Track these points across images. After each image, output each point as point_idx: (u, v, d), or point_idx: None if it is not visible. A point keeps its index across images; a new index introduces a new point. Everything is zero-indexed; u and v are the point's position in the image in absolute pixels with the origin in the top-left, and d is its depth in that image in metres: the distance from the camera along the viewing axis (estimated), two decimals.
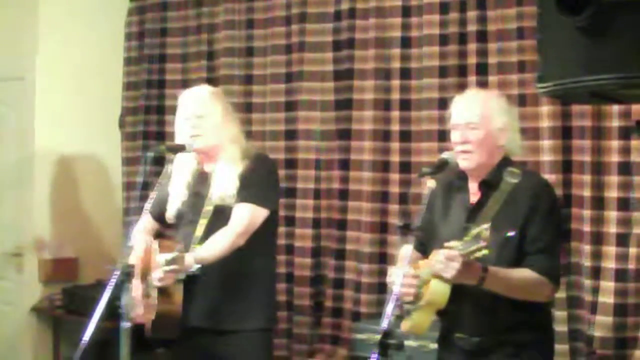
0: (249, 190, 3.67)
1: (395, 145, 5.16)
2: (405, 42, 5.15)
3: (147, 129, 6.31)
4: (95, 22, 6.27)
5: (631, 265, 4.30)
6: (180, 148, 3.71)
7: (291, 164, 5.52)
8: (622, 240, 4.33)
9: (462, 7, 4.92)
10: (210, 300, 3.67)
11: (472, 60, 4.88)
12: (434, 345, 3.52)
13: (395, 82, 5.17)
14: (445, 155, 3.30)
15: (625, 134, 4.32)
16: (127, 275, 3.21)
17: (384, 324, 2.86)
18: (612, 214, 4.36)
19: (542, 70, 2.70)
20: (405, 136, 5.14)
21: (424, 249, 3.35)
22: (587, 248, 4.44)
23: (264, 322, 3.79)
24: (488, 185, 3.26)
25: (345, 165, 5.38)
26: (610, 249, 4.35)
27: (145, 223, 3.90)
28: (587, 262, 4.44)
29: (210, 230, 3.64)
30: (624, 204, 4.34)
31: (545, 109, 4.58)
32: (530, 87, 4.56)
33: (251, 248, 3.65)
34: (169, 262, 3.42)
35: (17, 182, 6.12)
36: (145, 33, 6.34)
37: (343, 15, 5.40)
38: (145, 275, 3.61)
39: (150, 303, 3.57)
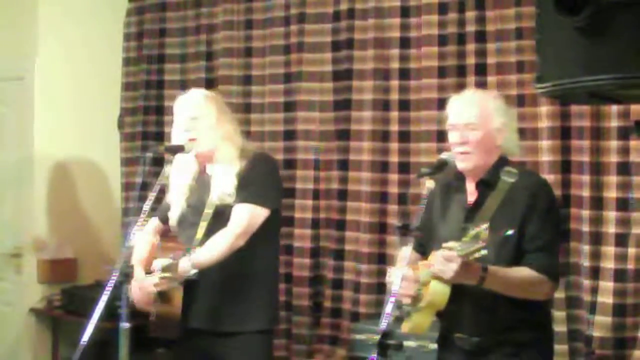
0: (247, 190, 3.66)
1: (394, 145, 5.16)
2: (404, 43, 5.15)
3: (146, 129, 6.31)
4: (94, 23, 6.27)
5: (630, 266, 4.30)
6: (179, 149, 3.70)
7: (290, 164, 5.52)
8: (621, 240, 4.33)
9: (460, 7, 4.92)
10: (210, 302, 3.66)
11: (470, 60, 4.88)
12: (434, 346, 3.52)
13: (394, 83, 5.17)
14: (444, 155, 3.31)
15: (624, 134, 4.32)
16: (126, 275, 3.20)
17: (383, 324, 2.86)
18: (611, 214, 4.36)
19: (541, 71, 2.70)
20: (404, 136, 5.14)
21: (422, 250, 3.36)
22: (586, 248, 4.44)
23: (264, 323, 3.78)
24: (485, 185, 3.26)
25: (344, 165, 5.38)
26: (609, 249, 4.35)
27: (152, 224, 3.92)
28: (586, 263, 4.44)
29: (210, 232, 3.62)
30: (622, 204, 4.34)
31: (544, 109, 4.58)
32: (529, 87, 4.56)
33: (252, 248, 3.64)
34: (164, 269, 3.42)
35: (16, 183, 6.12)
36: (144, 33, 6.34)
37: (342, 16, 5.40)
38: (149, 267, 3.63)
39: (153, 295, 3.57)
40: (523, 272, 3.13)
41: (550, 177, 4.43)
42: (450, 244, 3.01)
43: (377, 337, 2.86)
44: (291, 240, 5.46)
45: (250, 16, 5.80)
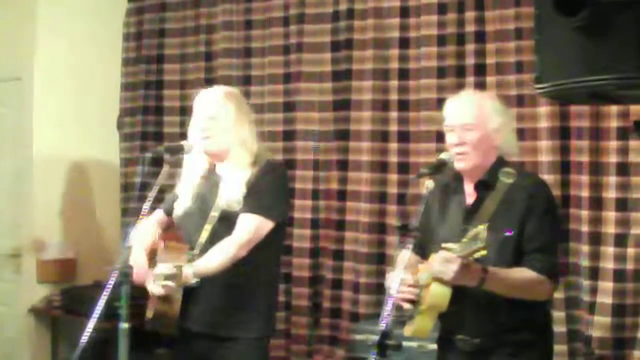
0: (256, 200, 3.62)
1: (393, 145, 5.17)
2: (404, 43, 5.15)
3: (145, 129, 6.31)
4: (94, 23, 6.27)
5: (629, 266, 4.31)
6: (179, 149, 3.68)
7: (289, 164, 5.51)
8: (620, 240, 4.33)
9: (460, 7, 4.92)
10: (210, 307, 3.65)
11: (470, 60, 4.88)
12: (433, 346, 3.52)
13: (394, 83, 5.17)
14: (443, 155, 3.30)
15: (623, 134, 4.32)
16: (126, 275, 3.20)
17: (382, 324, 2.86)
18: (610, 215, 4.36)
19: (540, 71, 2.70)
20: (403, 137, 5.14)
21: (421, 252, 3.35)
22: (585, 249, 4.44)
23: (262, 331, 3.76)
24: (484, 186, 3.26)
25: (343, 165, 5.38)
26: (609, 250, 4.36)
27: (157, 216, 3.90)
28: (585, 263, 4.45)
29: (214, 236, 3.60)
30: (622, 205, 4.34)
31: (543, 109, 4.58)
32: (528, 87, 4.57)
33: (254, 258, 3.61)
34: (167, 277, 3.42)
35: (15, 183, 6.12)
36: (144, 34, 6.34)
37: (341, 16, 5.40)
38: (150, 260, 3.63)
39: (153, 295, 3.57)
40: (523, 273, 3.13)
41: (549, 178, 4.43)
42: (450, 245, 3.01)
43: (377, 338, 2.86)
44: (290, 241, 5.46)
45: (250, 16, 5.80)
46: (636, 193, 4.31)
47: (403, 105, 5.15)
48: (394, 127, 5.17)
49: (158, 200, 3.75)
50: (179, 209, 3.81)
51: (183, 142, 3.72)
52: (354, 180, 5.30)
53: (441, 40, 4.99)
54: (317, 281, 5.45)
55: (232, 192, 3.63)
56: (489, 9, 4.82)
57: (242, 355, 3.70)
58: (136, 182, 6.08)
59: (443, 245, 3.04)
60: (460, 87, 4.63)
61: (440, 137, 4.75)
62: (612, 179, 4.37)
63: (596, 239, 4.43)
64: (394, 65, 5.17)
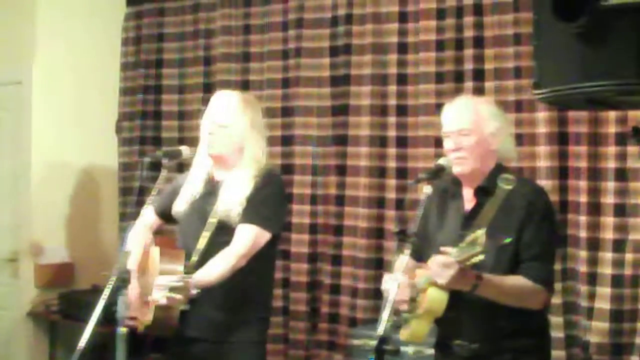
0: (255, 211, 3.62)
1: (391, 151, 5.17)
2: (402, 48, 5.15)
3: (144, 134, 6.31)
4: (93, 28, 6.27)
5: (627, 272, 4.31)
6: (178, 153, 3.69)
7: (288, 169, 5.52)
8: (618, 246, 4.33)
9: (458, 13, 4.93)
10: (206, 312, 3.65)
11: (468, 66, 4.89)
12: (431, 351, 3.51)
13: (392, 88, 5.18)
14: (441, 161, 3.30)
15: (621, 140, 4.33)
16: (123, 280, 3.20)
17: (380, 329, 2.86)
18: (609, 220, 4.37)
19: (539, 77, 2.71)
20: (401, 142, 5.14)
21: (419, 257, 3.34)
22: (583, 254, 4.44)
23: (258, 334, 3.77)
24: (483, 192, 3.26)
25: (341, 171, 5.38)
26: (607, 255, 4.36)
27: (147, 219, 3.88)
28: (583, 268, 4.45)
29: (212, 244, 3.60)
30: (620, 210, 4.34)
31: (541, 115, 4.59)
32: (526, 93, 4.58)
33: (250, 265, 3.62)
34: (173, 289, 3.41)
35: (13, 187, 6.11)
36: (142, 38, 6.34)
37: (340, 21, 5.40)
38: (143, 274, 3.62)
39: (146, 304, 3.56)
40: (518, 281, 3.13)
41: (547, 183, 4.44)
42: (448, 249, 3.01)
43: (375, 343, 2.85)
44: (288, 246, 5.46)
45: (249, 21, 5.81)
46: (634, 199, 4.31)
47: (401, 111, 5.15)
48: (392, 133, 5.17)
49: (162, 194, 3.75)
50: (179, 207, 3.79)
51: (181, 147, 3.72)
52: (352, 186, 5.30)
53: (440, 46, 4.99)
54: (315, 286, 5.45)
55: (232, 203, 3.62)
56: (488, 15, 4.82)
57: (238, 359, 3.69)
58: (134, 187, 6.09)
59: (441, 249, 3.04)
60: (458, 92, 4.62)
61: (438, 142, 4.74)
62: (611, 185, 4.37)
63: (594, 244, 4.43)
64: (393, 70, 5.18)
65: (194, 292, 3.49)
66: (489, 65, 4.82)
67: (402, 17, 5.16)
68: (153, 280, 3.51)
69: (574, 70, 2.50)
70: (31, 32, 6.02)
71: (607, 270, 4.35)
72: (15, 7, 6.12)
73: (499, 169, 3.29)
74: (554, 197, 4.40)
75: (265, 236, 3.65)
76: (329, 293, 5.37)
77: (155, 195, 3.59)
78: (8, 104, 6.18)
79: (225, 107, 3.71)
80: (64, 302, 5.82)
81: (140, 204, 3.59)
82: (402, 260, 3.11)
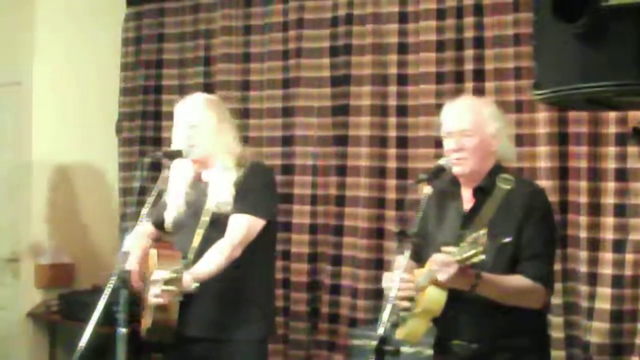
0: (244, 200, 3.65)
1: (392, 151, 5.17)
2: (402, 48, 5.16)
3: (144, 134, 6.31)
4: (93, 28, 6.27)
5: (627, 272, 4.31)
6: (177, 154, 3.69)
7: (288, 170, 5.52)
8: (619, 246, 4.33)
9: (458, 13, 4.93)
10: (206, 310, 3.65)
11: (468, 66, 4.89)
12: (430, 351, 3.51)
13: (392, 89, 5.18)
14: (441, 161, 3.31)
15: (621, 140, 4.33)
16: (124, 280, 3.20)
17: (381, 330, 2.86)
18: (609, 221, 4.37)
19: (539, 77, 2.70)
20: (402, 142, 5.14)
21: (418, 258, 3.35)
22: (583, 254, 4.45)
23: (260, 332, 3.77)
24: (482, 192, 3.26)
25: (342, 171, 5.38)
26: (607, 255, 4.36)
27: (145, 228, 3.90)
28: (583, 269, 4.45)
29: (207, 240, 3.62)
30: (620, 211, 4.34)
31: (541, 115, 4.59)
32: (526, 93, 4.58)
33: (248, 258, 3.63)
34: (167, 283, 3.42)
35: (14, 187, 6.11)
36: (142, 39, 6.35)
37: (340, 22, 5.40)
38: (144, 277, 3.63)
39: (147, 308, 3.57)
40: (517, 280, 3.14)
41: (547, 183, 4.44)
42: (449, 248, 3.01)
43: (375, 343, 2.86)
44: (289, 246, 5.46)
45: (249, 22, 5.81)
46: (634, 199, 4.31)
47: (402, 111, 5.15)
48: (392, 133, 5.17)
49: (155, 205, 3.76)
50: (169, 218, 3.82)
51: (181, 147, 3.73)
52: (353, 186, 5.30)
53: (440, 46, 4.99)
54: (315, 286, 5.45)
55: (220, 194, 3.66)
56: (488, 15, 4.82)
57: (241, 358, 3.69)
58: (135, 187, 6.09)
59: (442, 248, 3.04)
60: (459, 92, 4.61)
61: (438, 143, 4.74)
62: (611, 185, 4.37)
63: (594, 244, 4.43)
64: (393, 70, 5.18)
65: (193, 286, 3.49)
66: (489, 66, 4.82)
67: (403, 18, 5.16)
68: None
69: (574, 70, 2.50)
70: (31, 32, 6.02)
71: (607, 270, 4.35)
72: (15, 7, 6.12)
73: (498, 169, 3.30)
74: (554, 198, 4.41)
75: (258, 223, 3.67)
76: (330, 293, 5.37)
77: (155, 200, 3.60)
78: (8, 104, 6.18)
79: (191, 108, 3.79)
80: (65, 302, 5.82)
81: (140, 204, 3.59)
82: (401, 260, 3.12)
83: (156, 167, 3.96)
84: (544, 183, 4.38)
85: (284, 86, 5.62)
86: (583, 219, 4.46)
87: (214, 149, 3.72)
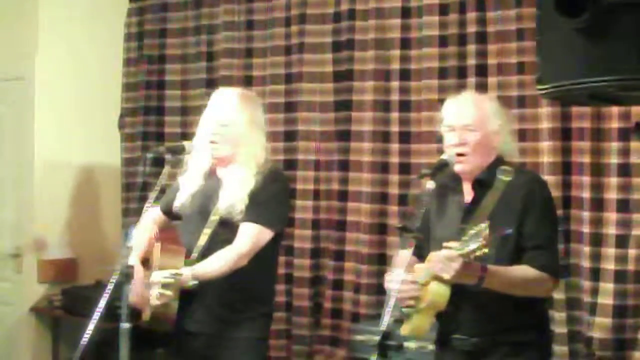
0: (257, 209, 3.61)
1: (394, 146, 5.17)
2: (405, 44, 5.15)
3: (147, 130, 6.31)
4: (95, 23, 6.27)
5: (630, 267, 4.31)
6: (180, 149, 3.68)
7: (290, 165, 5.52)
8: (622, 241, 4.33)
9: (461, 8, 4.92)
10: (208, 307, 3.65)
11: (471, 61, 4.88)
12: (433, 346, 3.52)
13: (395, 84, 5.17)
14: (444, 156, 3.30)
15: (624, 135, 4.32)
16: (127, 275, 3.20)
17: (384, 325, 2.86)
18: (612, 216, 4.36)
19: (542, 72, 2.71)
20: (404, 137, 5.14)
21: (419, 252, 3.35)
22: (586, 249, 4.44)
23: (259, 331, 3.77)
24: (481, 185, 3.26)
25: (344, 166, 5.38)
26: (610, 251, 4.36)
27: (153, 215, 3.88)
28: (586, 264, 4.45)
29: (213, 240, 3.61)
30: (623, 206, 4.34)
31: (544, 110, 4.58)
32: (529, 88, 4.56)
33: (253, 266, 3.62)
34: (164, 285, 3.42)
35: (16, 182, 6.12)
36: (145, 34, 6.34)
37: (342, 17, 5.40)
38: (146, 264, 3.62)
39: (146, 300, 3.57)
40: (523, 270, 3.13)
41: (550, 179, 4.43)
42: (451, 243, 3.01)
43: (378, 338, 2.86)
44: (291, 241, 5.46)
45: (251, 17, 5.80)
46: (637, 194, 4.31)
47: (404, 106, 5.15)
48: (395, 128, 5.17)
49: (158, 200, 3.75)
50: (179, 202, 3.79)
51: (184, 143, 3.71)
52: (355, 181, 5.30)
53: (442, 41, 4.99)
54: (318, 282, 5.45)
55: (234, 200, 3.61)
56: (491, 10, 4.81)
57: (240, 355, 3.69)
58: (137, 182, 6.09)
59: (444, 244, 3.04)
60: (461, 87, 4.62)
61: (441, 138, 4.75)
62: (614, 180, 4.37)
63: (597, 240, 4.43)
64: (396, 66, 5.17)
65: (191, 283, 3.49)
66: (492, 61, 4.81)
67: (405, 13, 5.15)
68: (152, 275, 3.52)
69: (577, 65, 2.51)
70: (34, 28, 6.02)
71: (610, 265, 4.34)
72: (17, 2, 6.13)
73: (498, 161, 3.29)
74: (557, 193, 4.40)
75: (268, 235, 3.65)
76: (332, 288, 5.37)
77: (159, 193, 3.59)
78: (10, 99, 6.18)
79: (225, 105, 3.71)
80: (67, 297, 5.83)
81: (143, 199, 3.59)
82: (402, 255, 3.12)
83: (159, 163, 3.96)
84: (546, 178, 4.35)
85: (287, 81, 5.61)
86: (586, 214, 4.45)
87: (238, 150, 3.67)
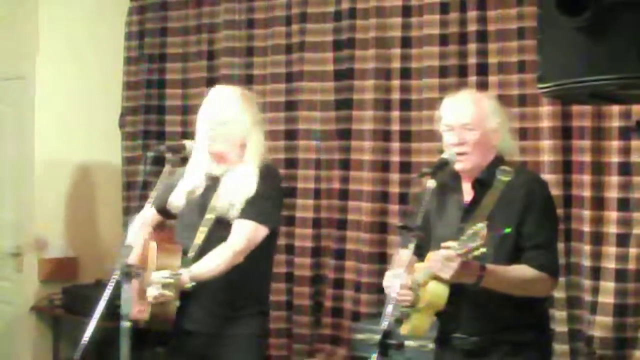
0: (252, 206, 3.60)
1: (395, 145, 5.17)
2: (406, 42, 5.15)
3: (147, 128, 6.31)
4: (96, 22, 6.28)
5: (631, 266, 4.31)
6: (181, 148, 3.67)
7: (291, 163, 5.52)
8: (622, 240, 4.33)
9: (462, 7, 4.92)
10: (206, 306, 3.65)
11: (472, 60, 4.88)
12: (433, 345, 3.52)
13: (396, 82, 5.17)
14: (445, 155, 3.30)
15: (625, 134, 4.32)
16: (127, 274, 3.20)
17: (384, 324, 2.86)
18: (612, 215, 4.36)
19: (543, 71, 2.71)
20: (405, 136, 5.14)
21: (419, 251, 3.34)
22: (587, 248, 4.44)
23: (257, 328, 3.76)
24: (481, 184, 3.26)
25: (345, 165, 5.38)
26: (610, 250, 4.36)
27: (147, 215, 3.87)
28: (587, 263, 4.45)
29: (209, 239, 3.60)
30: (624, 205, 4.34)
31: (545, 109, 4.58)
32: (530, 87, 4.56)
33: (248, 263, 3.62)
34: (164, 286, 3.41)
35: (17, 181, 6.12)
36: (146, 32, 6.35)
37: (343, 15, 5.40)
38: (143, 270, 3.61)
39: (145, 300, 3.56)
40: (522, 270, 3.13)
41: (551, 177, 4.43)
42: (449, 243, 3.01)
43: (378, 337, 2.86)
44: (292, 240, 5.46)
45: (252, 15, 5.80)
46: (638, 193, 4.31)
47: (405, 105, 5.15)
48: (396, 127, 5.17)
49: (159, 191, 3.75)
50: (175, 199, 3.78)
51: (185, 141, 3.71)
52: (356, 180, 5.30)
53: (443, 40, 4.99)
54: (318, 280, 5.45)
55: (231, 199, 3.60)
56: (491, 9, 4.81)
57: (240, 352, 3.69)
58: (138, 181, 6.09)
59: (442, 244, 3.04)
60: (462, 86, 4.62)
61: (441, 136, 4.76)
62: (614, 179, 4.37)
63: (598, 238, 4.43)
64: (396, 64, 5.17)
65: (189, 285, 3.49)
66: (492, 60, 4.81)
67: (406, 11, 5.15)
68: (150, 275, 3.51)
69: (578, 64, 2.51)
70: (34, 26, 6.02)
71: (610, 264, 4.34)
72: (18, 2, 6.13)
73: (498, 161, 3.29)
74: (557, 192, 4.40)
75: (263, 232, 3.64)
76: (333, 287, 5.37)
77: (155, 193, 3.58)
78: (11, 98, 6.19)
79: (225, 104, 3.70)
80: (68, 296, 5.83)
81: (143, 198, 3.59)
82: (402, 254, 3.12)
83: (159, 162, 3.95)
84: (547, 177, 4.37)
85: (287, 80, 5.61)
86: (586, 213, 4.45)
87: (237, 149, 3.67)
